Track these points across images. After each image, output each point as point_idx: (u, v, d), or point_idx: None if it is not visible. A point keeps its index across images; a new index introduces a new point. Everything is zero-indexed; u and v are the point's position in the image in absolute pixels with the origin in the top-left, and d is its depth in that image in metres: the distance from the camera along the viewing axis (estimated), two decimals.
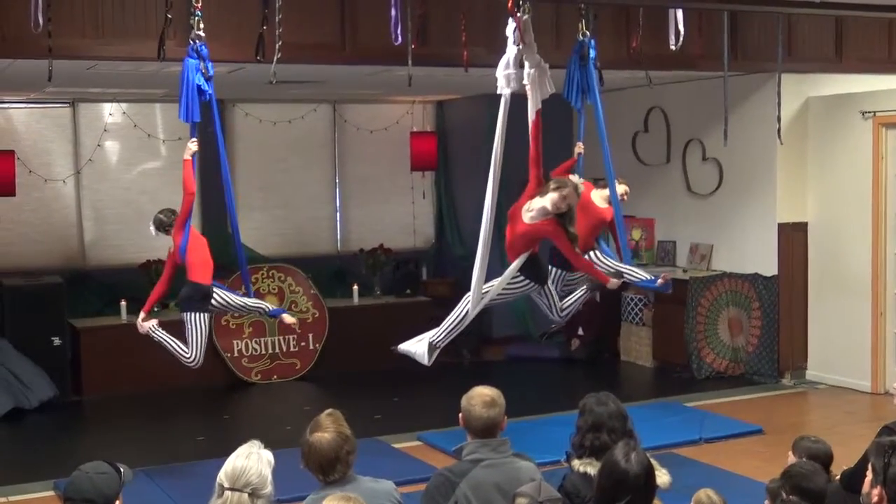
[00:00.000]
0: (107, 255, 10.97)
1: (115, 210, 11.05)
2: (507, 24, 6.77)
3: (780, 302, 9.82)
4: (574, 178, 6.88)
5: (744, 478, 6.68)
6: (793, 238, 9.78)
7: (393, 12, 6.39)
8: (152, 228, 7.14)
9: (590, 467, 4.14)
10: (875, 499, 3.02)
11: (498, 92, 6.26)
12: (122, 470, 3.51)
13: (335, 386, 9.92)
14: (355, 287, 11.03)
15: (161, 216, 7.13)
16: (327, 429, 3.86)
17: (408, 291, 11.40)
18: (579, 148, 7.37)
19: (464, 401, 4.21)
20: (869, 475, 3.07)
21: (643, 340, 10.77)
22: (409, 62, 6.77)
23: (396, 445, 7.85)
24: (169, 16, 5.80)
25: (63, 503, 3.43)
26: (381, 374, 10.32)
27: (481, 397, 4.17)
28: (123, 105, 10.91)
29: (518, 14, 6.19)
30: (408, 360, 10.62)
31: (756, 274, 9.92)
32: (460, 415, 4.24)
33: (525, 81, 6.17)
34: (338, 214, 12.13)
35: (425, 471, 6.78)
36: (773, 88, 8.95)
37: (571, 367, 10.88)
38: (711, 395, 9.39)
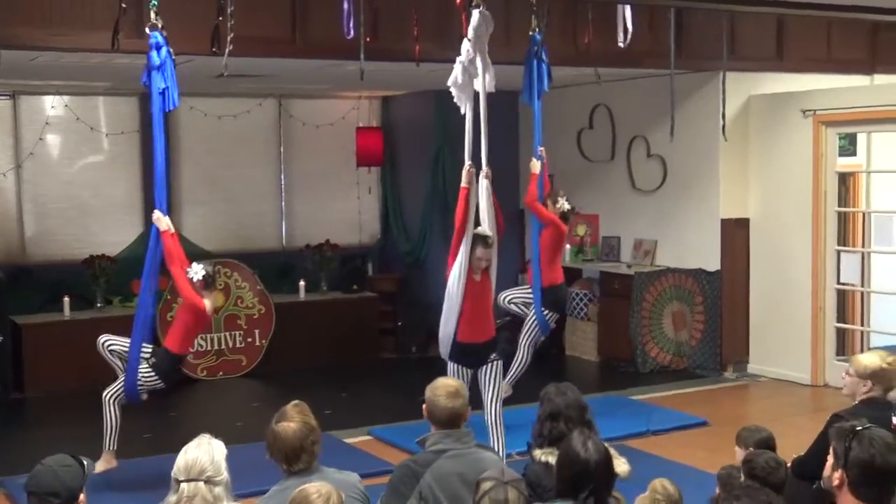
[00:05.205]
0: (49, 251, 10.74)
1: (57, 204, 10.84)
2: (457, 19, 6.84)
3: (722, 296, 9.99)
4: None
5: (691, 468, 6.79)
6: (735, 234, 9.94)
7: (345, 5, 6.39)
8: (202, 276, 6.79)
9: (551, 457, 4.19)
10: (836, 482, 3.10)
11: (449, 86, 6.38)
12: (85, 463, 3.47)
13: (282, 382, 9.86)
14: (302, 283, 11.00)
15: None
16: (293, 419, 3.87)
17: (354, 287, 11.39)
18: (535, 167, 7.53)
19: (428, 391, 4.23)
20: (830, 459, 3.15)
21: (588, 335, 10.87)
22: (362, 56, 6.75)
23: (348, 440, 7.84)
24: (124, 5, 5.72)
25: (27, 498, 3.37)
26: (329, 370, 10.33)
27: (445, 388, 4.19)
28: (66, 98, 10.71)
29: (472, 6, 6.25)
30: (353, 355, 10.71)
31: (699, 269, 10.07)
32: (424, 406, 4.25)
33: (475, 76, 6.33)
34: (283, 209, 12.06)
35: (378, 465, 6.80)
36: (715, 87, 9.13)
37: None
38: (656, 389, 9.52)
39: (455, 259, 6.43)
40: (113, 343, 6.86)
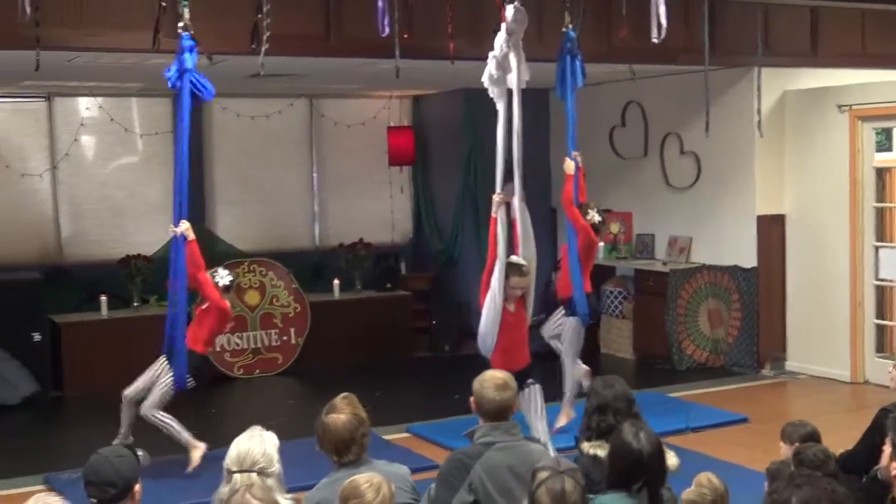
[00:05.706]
0: (85, 251, 10.84)
1: (92, 205, 10.94)
2: (490, 16, 6.82)
3: (759, 293, 9.91)
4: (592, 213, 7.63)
5: (734, 465, 6.74)
6: (771, 230, 9.87)
7: (380, 3, 6.40)
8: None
9: (599, 449, 4.18)
10: (895, 472, 3.08)
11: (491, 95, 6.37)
12: (139, 454, 3.49)
13: (318, 380, 9.90)
14: (336, 281, 11.03)
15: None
16: (343, 410, 3.89)
17: (388, 286, 11.40)
18: (569, 168, 7.41)
19: (476, 384, 4.23)
20: (887, 449, 3.13)
21: (623, 333, 10.83)
22: (397, 54, 6.76)
23: (386, 437, 7.84)
24: (164, 3, 5.74)
25: (84, 486, 3.39)
26: (363, 368, 10.33)
27: (493, 380, 4.20)
28: (100, 99, 10.80)
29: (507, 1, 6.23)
30: (387, 353, 10.72)
31: (735, 266, 10.01)
32: (471, 398, 4.25)
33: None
34: (315, 209, 12.10)
35: (419, 461, 6.80)
36: (749, 82, 9.08)
37: (552, 360, 10.88)
38: (693, 386, 9.46)
39: (487, 289, 6.28)
40: (136, 393, 7.08)
